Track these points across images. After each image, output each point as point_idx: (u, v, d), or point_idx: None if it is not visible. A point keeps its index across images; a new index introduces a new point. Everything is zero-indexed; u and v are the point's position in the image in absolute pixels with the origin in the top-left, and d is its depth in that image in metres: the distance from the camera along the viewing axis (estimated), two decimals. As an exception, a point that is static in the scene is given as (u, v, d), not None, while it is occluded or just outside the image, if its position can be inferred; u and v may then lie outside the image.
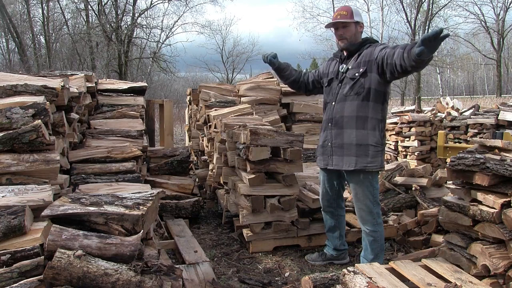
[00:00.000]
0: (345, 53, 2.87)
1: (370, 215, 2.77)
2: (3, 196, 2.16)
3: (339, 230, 3.11)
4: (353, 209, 3.02)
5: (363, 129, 2.69)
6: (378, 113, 2.71)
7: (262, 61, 3.19)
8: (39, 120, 2.63)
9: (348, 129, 2.73)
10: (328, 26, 2.86)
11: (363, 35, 2.90)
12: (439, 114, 7.55)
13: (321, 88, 3.08)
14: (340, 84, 2.82)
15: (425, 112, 7.83)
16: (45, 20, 18.80)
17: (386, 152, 7.29)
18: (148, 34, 21.17)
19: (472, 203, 2.35)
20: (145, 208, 2.04)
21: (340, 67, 2.85)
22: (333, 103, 2.84)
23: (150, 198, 2.15)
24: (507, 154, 2.28)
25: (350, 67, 2.78)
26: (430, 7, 21.07)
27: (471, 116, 6.88)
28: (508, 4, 26.27)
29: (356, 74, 2.71)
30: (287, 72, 3.17)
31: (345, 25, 2.76)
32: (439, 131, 5.65)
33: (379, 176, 3.10)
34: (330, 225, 3.11)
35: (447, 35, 2.17)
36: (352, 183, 2.80)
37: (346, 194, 3.56)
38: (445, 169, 2.93)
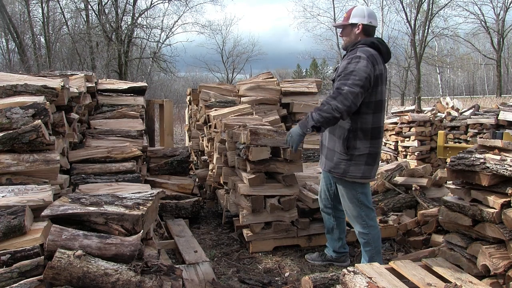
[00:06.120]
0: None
1: (357, 217, 2.78)
2: (3, 196, 2.16)
3: (338, 233, 3.09)
4: None
5: (334, 135, 2.75)
6: (346, 123, 2.63)
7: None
8: (39, 120, 2.63)
9: (327, 132, 2.82)
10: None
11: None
12: (439, 114, 7.55)
13: None
14: (332, 83, 2.88)
15: (425, 112, 7.82)
16: (45, 20, 18.75)
17: (386, 152, 7.28)
18: (148, 34, 21.12)
19: (472, 203, 2.35)
20: (145, 208, 2.04)
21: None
22: None
23: (150, 198, 2.15)
24: (507, 154, 2.28)
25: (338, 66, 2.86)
26: (430, 7, 21.02)
27: (471, 116, 6.88)
28: (508, 4, 26.21)
29: (332, 77, 2.81)
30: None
31: (341, 27, 2.83)
32: (439, 131, 5.65)
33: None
34: (329, 226, 3.10)
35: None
36: (338, 185, 2.86)
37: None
38: (445, 169, 2.93)
